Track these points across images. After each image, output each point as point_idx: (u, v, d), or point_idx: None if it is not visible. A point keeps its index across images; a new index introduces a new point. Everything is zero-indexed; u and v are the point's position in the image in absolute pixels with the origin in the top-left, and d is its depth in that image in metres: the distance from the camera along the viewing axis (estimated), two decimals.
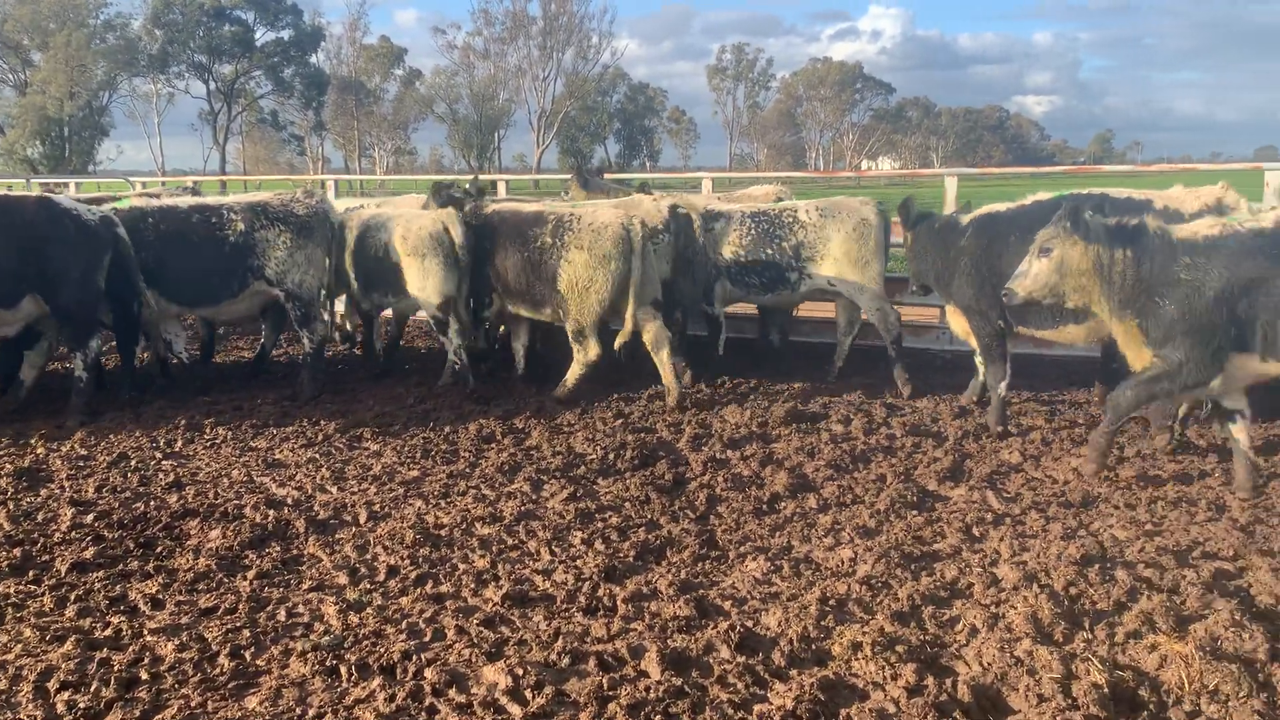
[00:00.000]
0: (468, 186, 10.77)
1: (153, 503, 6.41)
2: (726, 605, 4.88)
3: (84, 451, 7.59)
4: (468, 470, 7.08)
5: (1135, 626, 4.50)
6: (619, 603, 4.89)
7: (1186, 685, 4.03)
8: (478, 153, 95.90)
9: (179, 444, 7.82)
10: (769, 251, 9.69)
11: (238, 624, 4.70)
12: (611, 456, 7.29)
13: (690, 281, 9.70)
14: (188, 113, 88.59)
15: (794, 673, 4.21)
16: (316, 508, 6.32)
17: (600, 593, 5.01)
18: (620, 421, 8.38)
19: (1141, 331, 6.36)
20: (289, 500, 6.47)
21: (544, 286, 8.98)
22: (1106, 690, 3.96)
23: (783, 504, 6.40)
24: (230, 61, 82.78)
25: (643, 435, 7.92)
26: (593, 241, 8.72)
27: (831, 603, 4.86)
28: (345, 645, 4.48)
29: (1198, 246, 6.20)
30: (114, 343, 9.66)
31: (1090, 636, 4.48)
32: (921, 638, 4.50)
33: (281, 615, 4.81)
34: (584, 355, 8.99)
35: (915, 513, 6.18)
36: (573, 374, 9.09)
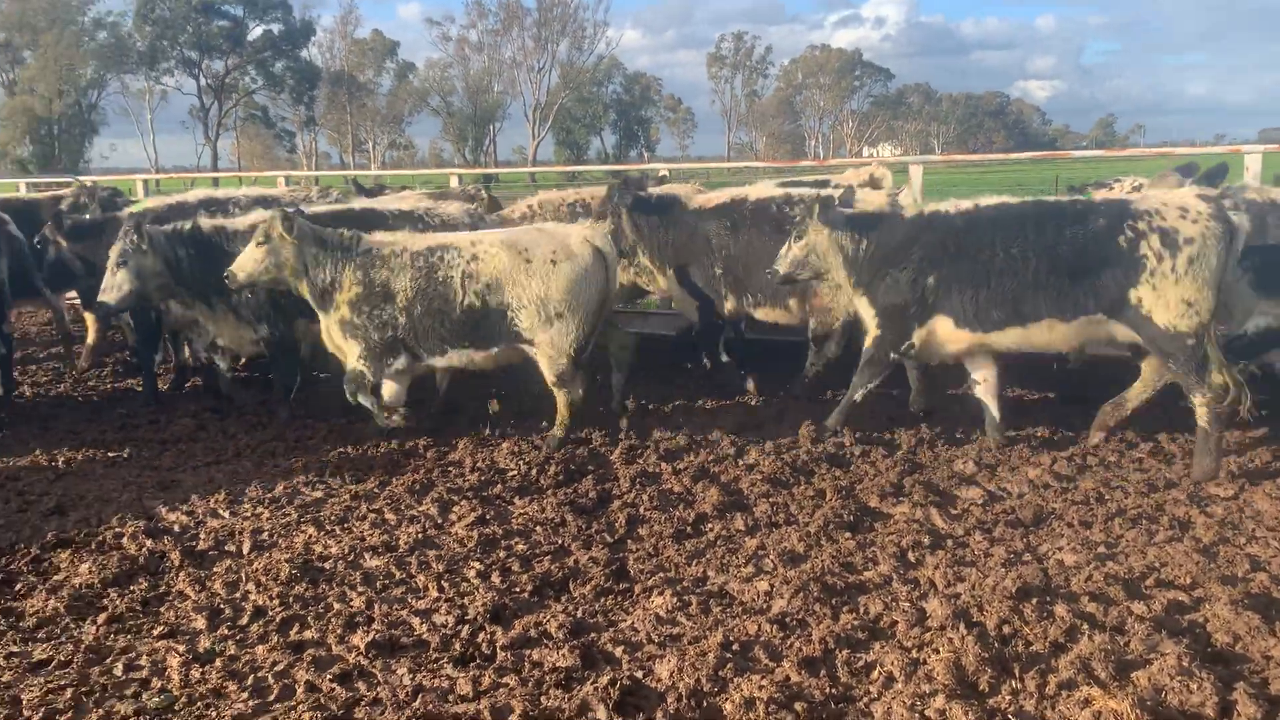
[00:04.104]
0: None
1: (26, 530, 5.92)
2: (618, 651, 4.36)
3: None
4: (375, 490, 6.56)
5: (1070, 675, 3.98)
6: (498, 650, 4.38)
7: None
8: (473, 145, 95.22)
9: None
10: None
11: (64, 682, 4.19)
12: (535, 472, 6.77)
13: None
14: (182, 109, 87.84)
15: None
16: (201, 535, 5.81)
17: (480, 638, 4.49)
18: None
19: None
20: (175, 528, 5.97)
21: None
22: None
23: (708, 525, 5.88)
24: (220, 57, 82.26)
25: (574, 447, 7.39)
26: None
27: (735, 647, 4.34)
28: (175, 708, 3.98)
29: None
30: None
31: (1018, 687, 3.95)
32: (828, 691, 3.98)
33: (119, 670, 4.30)
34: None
35: (849, 535, 5.64)
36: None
